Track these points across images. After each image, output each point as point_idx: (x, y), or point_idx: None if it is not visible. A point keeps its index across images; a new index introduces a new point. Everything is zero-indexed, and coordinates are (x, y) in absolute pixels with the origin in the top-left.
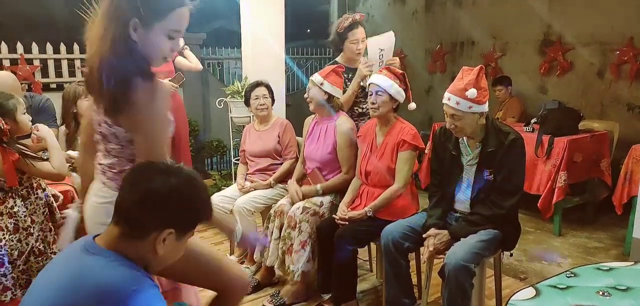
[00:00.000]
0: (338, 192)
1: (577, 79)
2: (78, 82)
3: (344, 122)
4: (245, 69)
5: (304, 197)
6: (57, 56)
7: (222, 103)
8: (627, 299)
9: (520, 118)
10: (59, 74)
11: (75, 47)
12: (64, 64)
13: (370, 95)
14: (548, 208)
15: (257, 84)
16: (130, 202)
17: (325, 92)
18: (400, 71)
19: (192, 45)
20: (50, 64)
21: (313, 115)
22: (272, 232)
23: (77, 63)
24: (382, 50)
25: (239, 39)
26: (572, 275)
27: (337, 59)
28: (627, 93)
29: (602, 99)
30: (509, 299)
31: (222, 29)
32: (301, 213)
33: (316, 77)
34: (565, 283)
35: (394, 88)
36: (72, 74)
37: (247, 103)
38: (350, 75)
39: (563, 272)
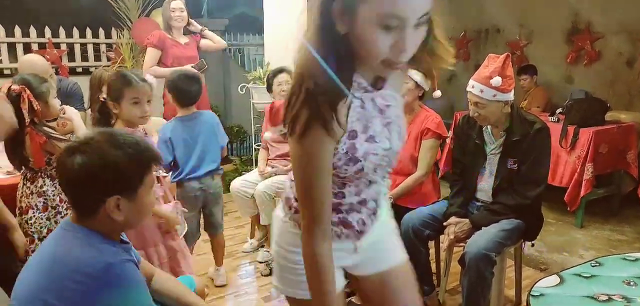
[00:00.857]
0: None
1: (605, 69)
2: (104, 66)
3: None
4: (267, 55)
5: None
6: (83, 40)
7: (244, 89)
8: None
9: (545, 108)
10: (84, 58)
11: (101, 31)
12: (90, 48)
13: None
14: (575, 201)
15: (280, 70)
16: (63, 189)
17: None
18: None
19: (215, 30)
20: (77, 48)
21: None
22: None
23: (103, 47)
24: None
25: (260, 25)
26: (597, 264)
27: None
28: None
29: (630, 89)
30: (533, 285)
31: (244, 14)
32: None
33: None
34: (589, 272)
35: (420, 75)
36: (97, 58)
37: (269, 89)
38: None
39: (587, 261)
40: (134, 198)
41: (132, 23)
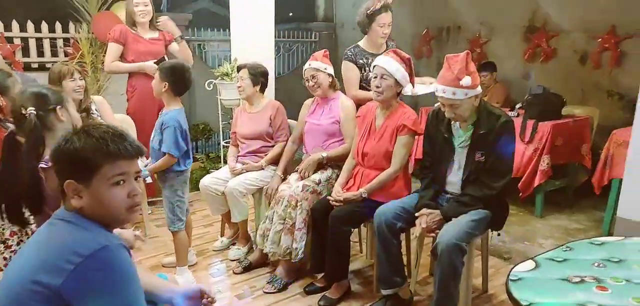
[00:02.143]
0: (342, 161)
1: (560, 66)
2: (63, 62)
3: (346, 99)
4: (234, 51)
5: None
6: (38, 35)
7: (211, 85)
8: (621, 270)
9: (504, 104)
10: (40, 53)
11: (58, 25)
12: (46, 43)
13: (375, 78)
14: (527, 188)
15: (241, 67)
16: None
17: (329, 74)
18: (407, 55)
19: (178, 25)
20: (32, 43)
21: (312, 99)
22: (271, 218)
23: (60, 42)
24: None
25: (222, 20)
26: (568, 249)
27: (359, 43)
28: (607, 80)
29: (583, 86)
30: (511, 270)
31: (205, 10)
32: (301, 191)
33: (319, 64)
34: (562, 256)
35: (401, 72)
36: (54, 53)
37: None
38: (369, 60)
39: (559, 246)
40: (89, 187)
41: (91, 17)
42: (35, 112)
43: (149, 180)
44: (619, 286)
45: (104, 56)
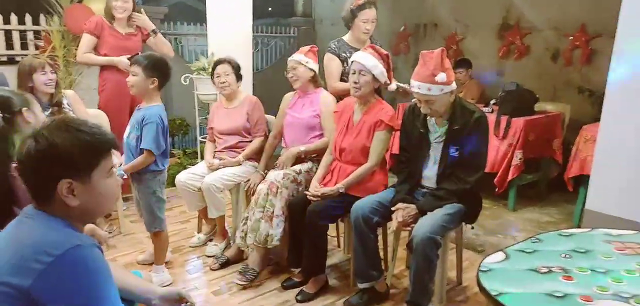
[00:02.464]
0: (321, 154)
1: (533, 63)
2: (33, 55)
3: (327, 94)
4: (211, 46)
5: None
6: (7, 27)
7: (187, 80)
8: (586, 260)
9: (479, 100)
10: (9, 46)
11: (28, 17)
12: (15, 35)
13: (353, 73)
14: (502, 183)
15: (220, 61)
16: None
17: (311, 69)
18: (385, 52)
19: (153, 19)
20: (0, 35)
21: (293, 92)
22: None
23: (30, 35)
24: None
25: (198, 14)
26: (537, 241)
27: (343, 38)
28: (578, 77)
29: (555, 82)
30: (482, 262)
31: (182, 4)
32: (282, 179)
33: (301, 57)
34: (531, 248)
35: (378, 69)
36: (24, 46)
37: (213, 80)
38: (352, 55)
39: (529, 238)
40: (88, 182)
41: (63, 9)
42: (1, 116)
43: (124, 176)
44: (584, 275)
45: (76, 49)
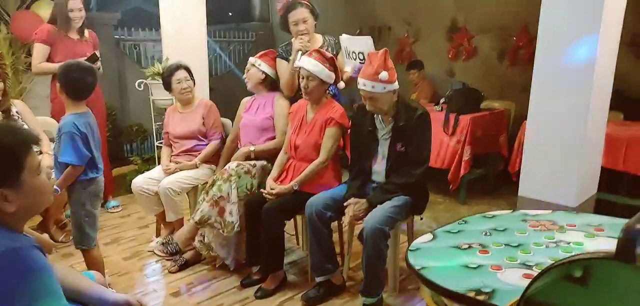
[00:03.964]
0: (271, 155)
1: (480, 63)
2: None
3: (281, 97)
4: (165, 51)
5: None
6: None
7: (142, 85)
8: (503, 236)
9: (432, 100)
10: None
11: None
12: None
13: (302, 79)
14: (456, 180)
15: (177, 67)
16: None
17: (263, 72)
18: (330, 55)
19: (105, 26)
20: None
21: (251, 95)
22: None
23: None
24: (361, 52)
25: (157, 20)
26: (464, 223)
27: (292, 40)
28: (522, 76)
29: (502, 81)
30: (411, 243)
31: (139, 9)
32: (235, 167)
33: (254, 59)
34: (457, 229)
35: (325, 73)
36: None
37: (167, 88)
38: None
39: (456, 220)
40: (19, 186)
41: (10, 16)
42: None
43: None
44: (499, 249)
45: (25, 57)
